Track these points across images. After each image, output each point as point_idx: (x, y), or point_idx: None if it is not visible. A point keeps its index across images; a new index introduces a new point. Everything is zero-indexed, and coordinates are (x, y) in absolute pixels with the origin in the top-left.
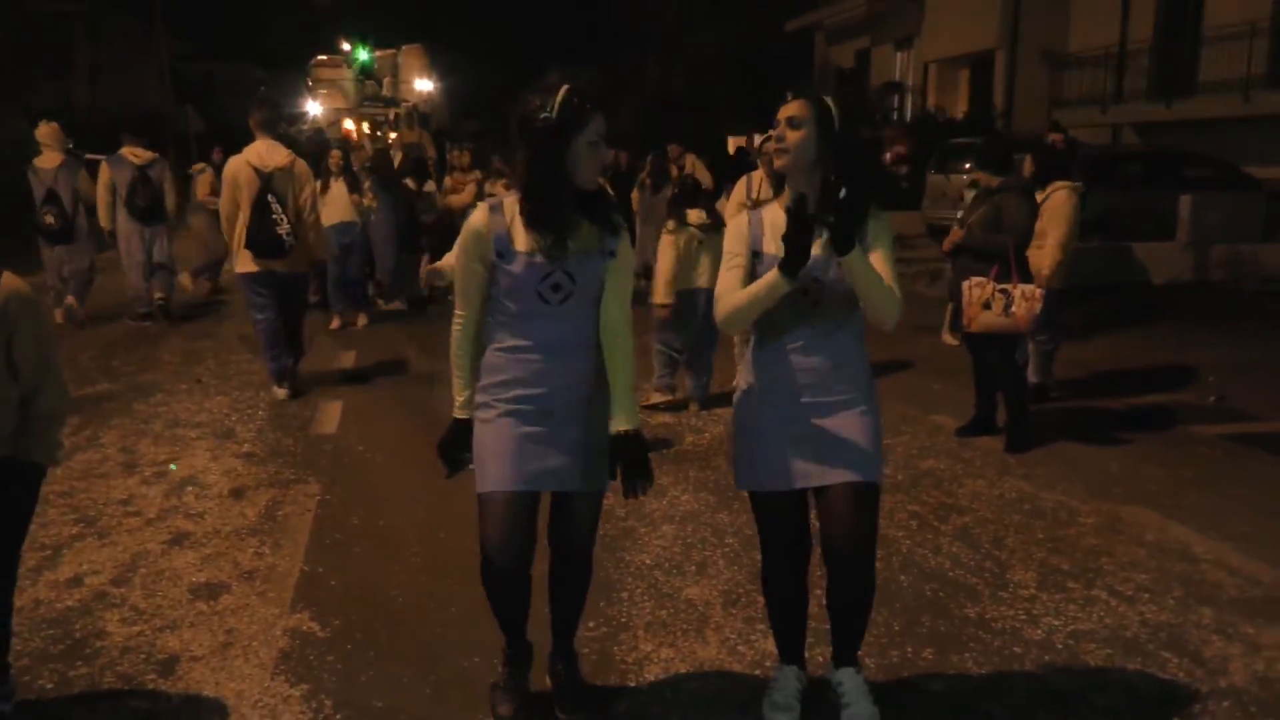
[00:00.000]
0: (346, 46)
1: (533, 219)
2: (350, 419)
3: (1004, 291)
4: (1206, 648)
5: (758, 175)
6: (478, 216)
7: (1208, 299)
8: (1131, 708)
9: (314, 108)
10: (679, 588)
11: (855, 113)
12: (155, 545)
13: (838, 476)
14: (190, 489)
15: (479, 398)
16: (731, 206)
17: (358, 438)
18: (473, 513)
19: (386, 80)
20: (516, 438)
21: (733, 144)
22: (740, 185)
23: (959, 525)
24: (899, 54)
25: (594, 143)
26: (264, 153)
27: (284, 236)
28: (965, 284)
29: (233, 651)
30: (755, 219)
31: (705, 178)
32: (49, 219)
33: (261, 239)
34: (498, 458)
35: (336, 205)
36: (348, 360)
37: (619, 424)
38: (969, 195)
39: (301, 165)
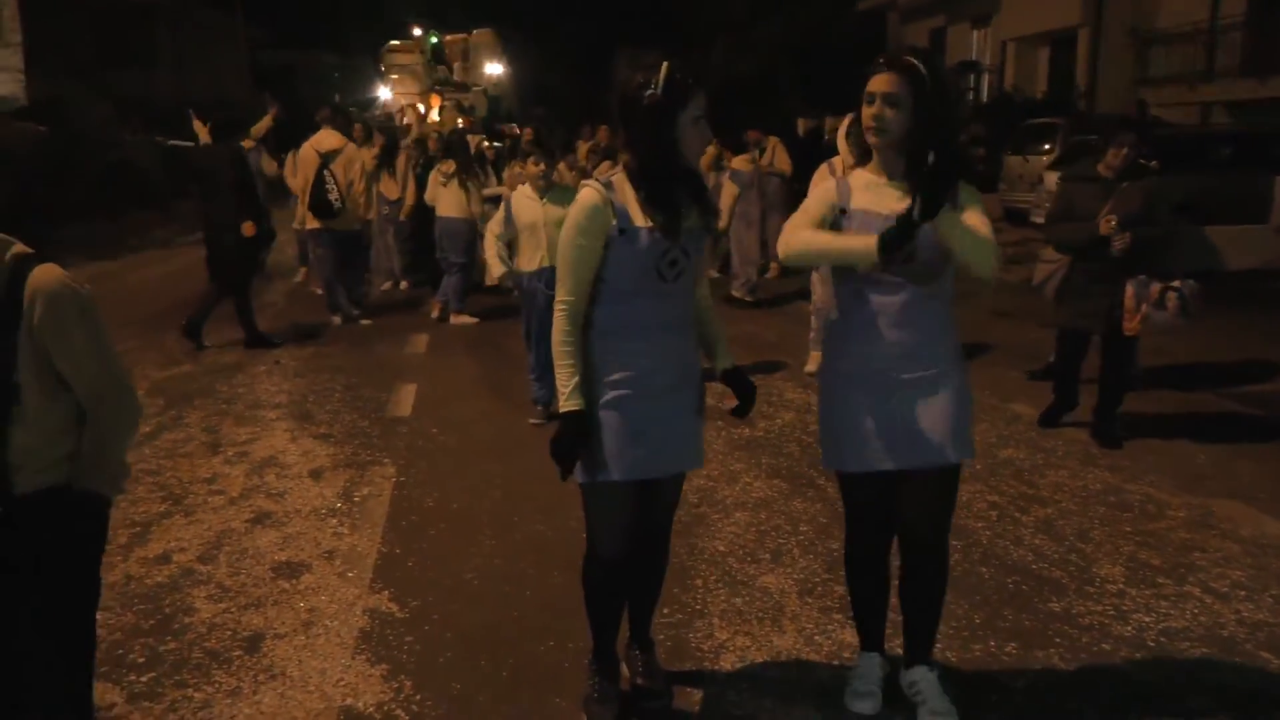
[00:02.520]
0: (418, 32)
1: (650, 197)
2: (424, 403)
3: (1174, 289)
4: None
5: (838, 161)
6: (591, 194)
7: None
8: (1228, 708)
9: (385, 93)
10: (754, 575)
11: (943, 75)
12: (239, 524)
13: (929, 457)
14: (271, 469)
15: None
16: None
17: (431, 422)
18: (545, 497)
19: (457, 65)
20: (623, 424)
21: (802, 126)
22: (822, 171)
23: (1041, 517)
24: (975, 33)
25: (698, 118)
26: (323, 139)
27: (334, 202)
28: (1131, 283)
29: (315, 630)
30: (841, 185)
31: (785, 162)
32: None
33: (319, 203)
34: (606, 446)
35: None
36: (420, 346)
37: (725, 363)
38: (1050, 179)
39: (351, 148)
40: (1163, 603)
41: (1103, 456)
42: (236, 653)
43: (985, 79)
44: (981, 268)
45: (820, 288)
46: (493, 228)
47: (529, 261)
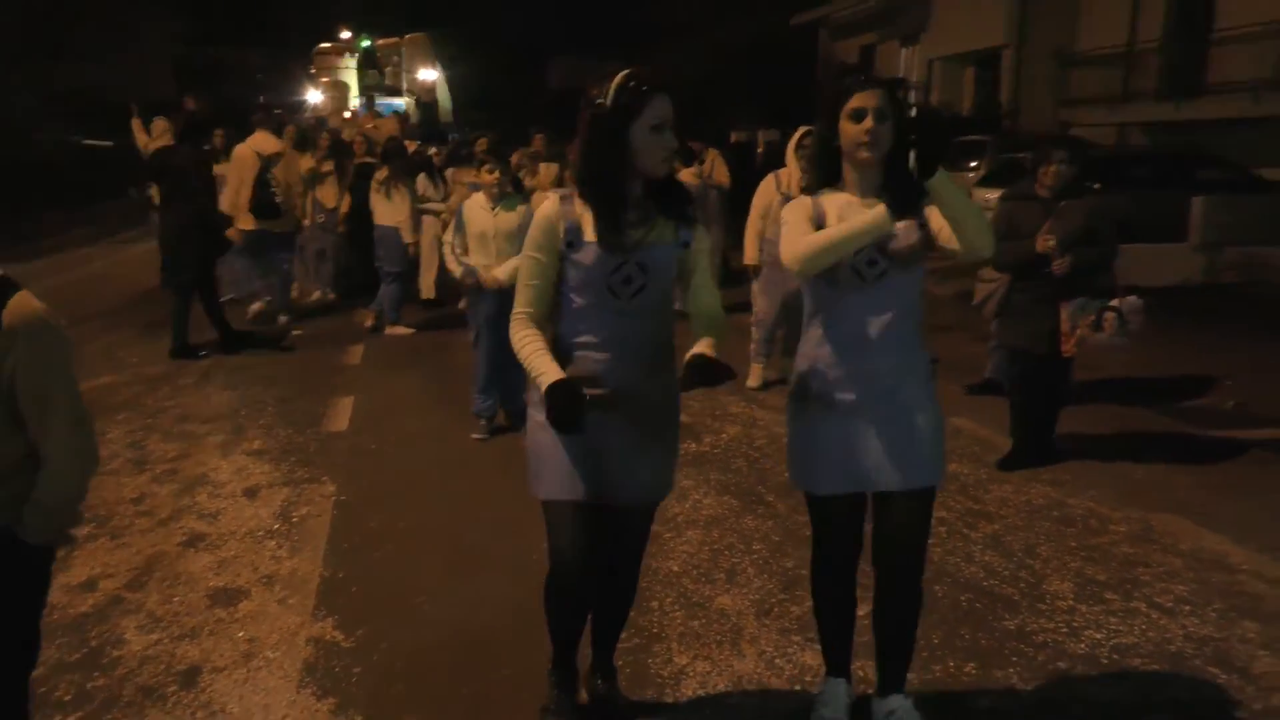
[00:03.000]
0: (347, 35)
1: (594, 211)
2: (362, 417)
3: (1113, 309)
4: (1255, 663)
5: (785, 172)
6: (549, 206)
7: (1221, 302)
8: None
9: (315, 96)
10: (710, 596)
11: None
12: (170, 547)
13: (903, 480)
14: (203, 488)
15: (534, 397)
16: (759, 205)
17: (371, 437)
18: (494, 514)
19: (389, 69)
20: (578, 443)
21: (734, 139)
22: (768, 183)
23: (989, 533)
24: (904, 50)
25: (656, 127)
26: (263, 142)
27: (280, 204)
28: (1065, 306)
29: (255, 662)
30: (815, 204)
31: (723, 174)
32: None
33: (263, 204)
34: (562, 463)
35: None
36: (355, 357)
37: (699, 349)
38: (979, 196)
39: (291, 151)
40: (1112, 619)
41: (1045, 471)
42: (172, 688)
43: (912, 96)
44: (980, 242)
45: (761, 299)
46: (447, 236)
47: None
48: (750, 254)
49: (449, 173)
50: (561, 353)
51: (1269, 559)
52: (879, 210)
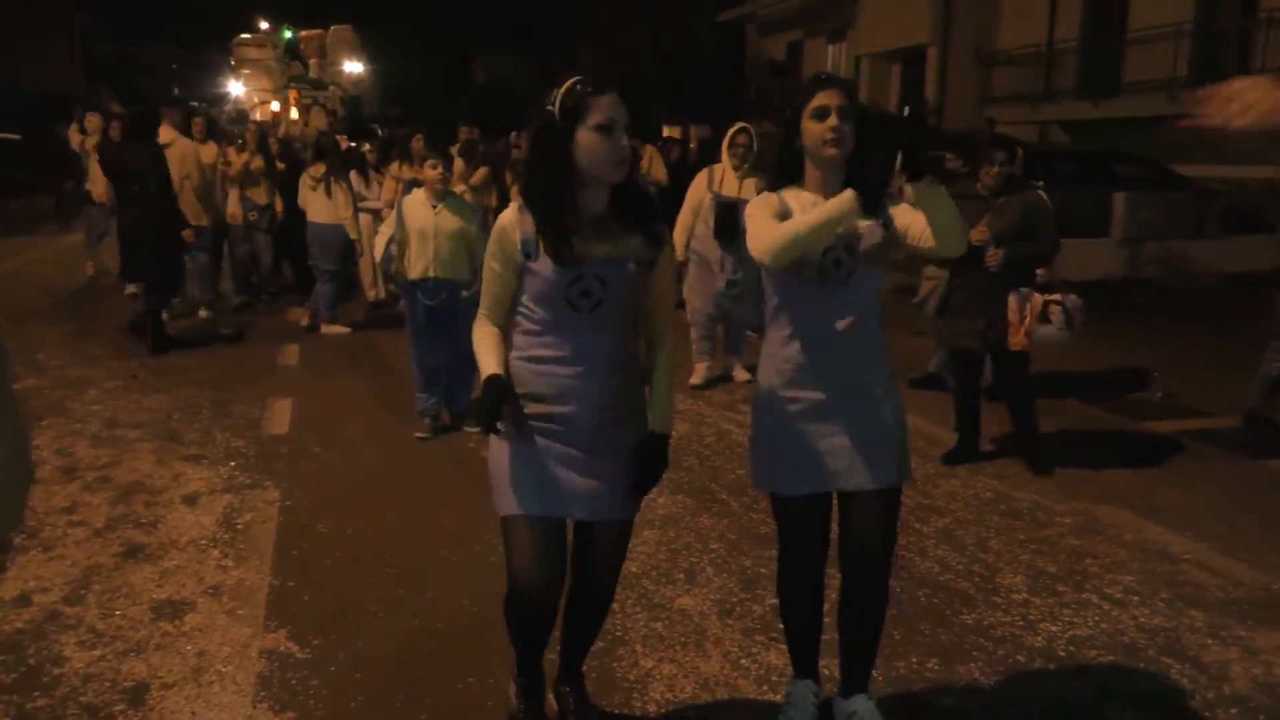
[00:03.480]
0: (265, 26)
1: (538, 224)
2: (302, 420)
3: (1057, 303)
4: (1205, 652)
5: (719, 168)
6: (507, 215)
7: (1143, 295)
8: (1143, 715)
9: (236, 88)
10: (670, 598)
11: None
12: (107, 559)
13: (870, 479)
14: (139, 496)
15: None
16: (691, 201)
17: (313, 439)
18: (444, 520)
19: (313, 61)
20: (540, 458)
21: (665, 133)
22: (700, 179)
23: (940, 527)
24: (831, 47)
25: (603, 126)
26: (164, 134)
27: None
28: (1013, 296)
29: (206, 677)
30: (780, 199)
31: (660, 172)
32: None
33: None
34: (520, 479)
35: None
36: (290, 357)
37: (652, 424)
38: (909, 191)
39: (184, 143)
40: (1065, 611)
41: (989, 464)
42: (119, 706)
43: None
44: (955, 241)
45: (694, 298)
46: (384, 230)
47: (414, 269)
48: (679, 250)
49: (391, 168)
50: (522, 366)
51: (1208, 547)
52: (846, 195)
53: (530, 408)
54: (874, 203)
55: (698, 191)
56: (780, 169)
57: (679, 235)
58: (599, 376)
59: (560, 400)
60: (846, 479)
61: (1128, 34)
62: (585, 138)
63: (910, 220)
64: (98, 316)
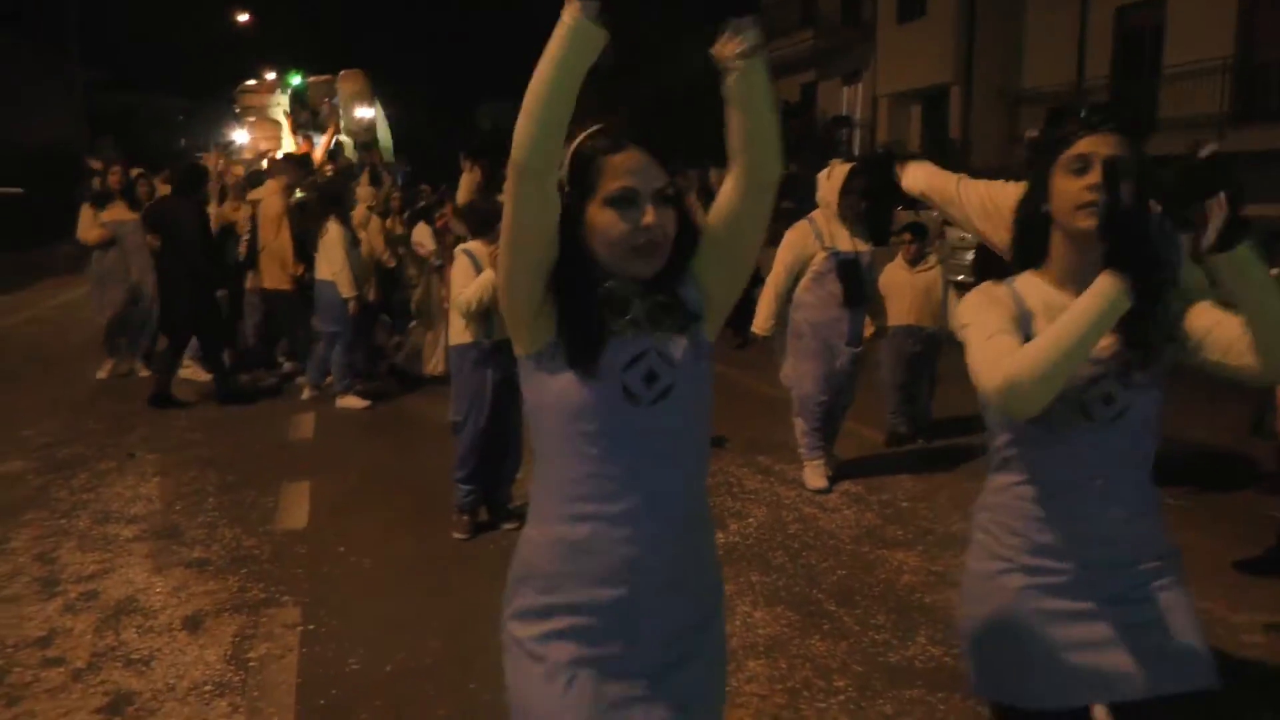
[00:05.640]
0: (271, 76)
1: (558, 327)
2: (321, 509)
3: None
4: None
5: (820, 217)
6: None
7: None
8: None
9: (241, 136)
10: None
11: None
12: (84, 717)
13: (1154, 684)
14: (130, 619)
15: (511, 614)
16: (787, 260)
17: (334, 536)
18: (497, 644)
19: (324, 107)
20: (582, 694)
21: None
22: (802, 232)
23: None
24: (846, 89)
25: (618, 198)
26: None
27: None
28: None
29: None
30: (1015, 295)
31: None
32: None
33: None
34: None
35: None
36: (304, 430)
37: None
38: (951, 233)
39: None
40: None
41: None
42: None
43: (856, 134)
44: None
45: (807, 383)
46: (482, 280)
47: (460, 334)
48: (764, 323)
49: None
50: (558, 525)
51: None
52: (1107, 282)
53: (565, 597)
54: (1153, 291)
55: (797, 248)
56: (1023, 246)
57: (766, 305)
58: (669, 523)
59: (612, 578)
60: (1122, 685)
61: (1162, 71)
62: (596, 217)
63: (1214, 323)
64: (96, 383)
